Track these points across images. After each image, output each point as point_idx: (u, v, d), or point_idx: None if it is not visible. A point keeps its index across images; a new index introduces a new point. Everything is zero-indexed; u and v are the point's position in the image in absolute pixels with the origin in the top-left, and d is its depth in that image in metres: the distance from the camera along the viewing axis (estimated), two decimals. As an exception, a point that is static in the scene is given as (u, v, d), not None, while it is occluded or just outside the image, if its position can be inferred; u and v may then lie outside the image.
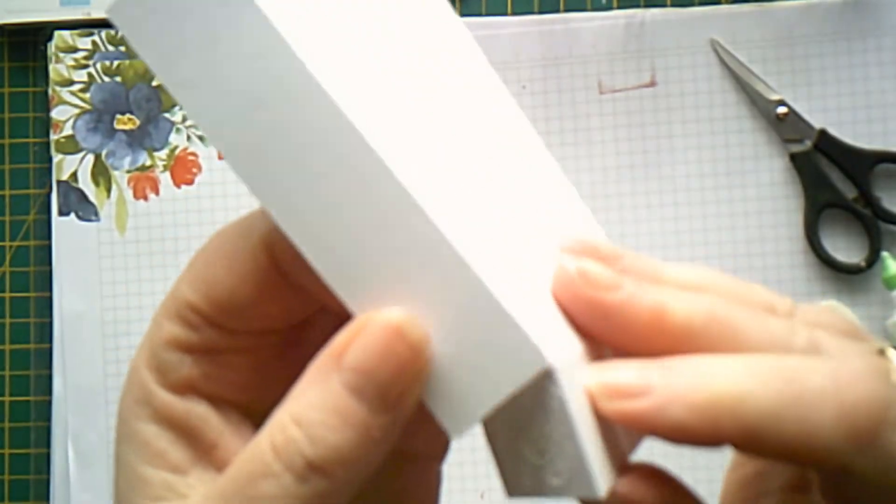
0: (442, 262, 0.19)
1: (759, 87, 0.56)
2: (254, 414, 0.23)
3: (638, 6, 0.58)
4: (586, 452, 0.20)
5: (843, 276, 0.55)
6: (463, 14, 0.59)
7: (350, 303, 0.20)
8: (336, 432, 0.19)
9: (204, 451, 0.22)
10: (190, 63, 0.20)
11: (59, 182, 0.59)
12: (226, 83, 0.20)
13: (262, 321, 0.23)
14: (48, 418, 0.58)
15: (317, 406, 0.20)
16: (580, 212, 0.25)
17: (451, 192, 0.21)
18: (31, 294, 0.60)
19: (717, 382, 0.19)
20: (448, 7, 0.26)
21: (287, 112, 0.20)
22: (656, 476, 0.21)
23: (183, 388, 0.22)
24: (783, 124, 0.56)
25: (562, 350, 0.20)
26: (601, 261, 0.21)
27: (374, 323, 0.20)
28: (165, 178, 0.59)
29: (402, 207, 0.19)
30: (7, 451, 0.59)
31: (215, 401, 0.23)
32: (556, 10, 0.58)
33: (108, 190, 0.59)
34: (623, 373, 0.20)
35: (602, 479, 0.20)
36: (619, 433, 0.22)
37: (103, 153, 0.59)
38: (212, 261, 0.22)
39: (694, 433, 0.19)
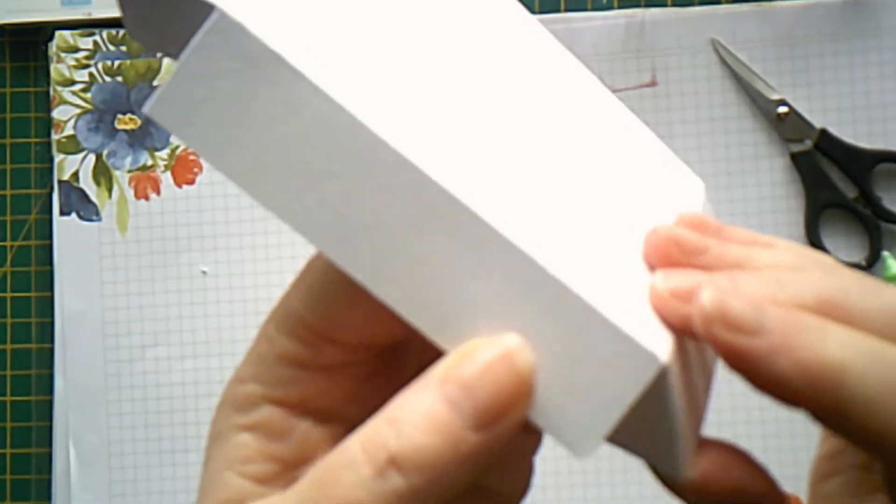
0: (539, 290, 0.19)
1: (760, 87, 0.56)
2: (352, 430, 0.23)
3: (638, 6, 0.58)
4: (678, 436, 0.20)
5: (843, 276, 0.55)
6: (463, 14, 0.59)
7: (449, 346, 0.20)
8: (424, 434, 0.19)
9: (295, 465, 0.22)
10: (245, 149, 0.20)
11: (60, 182, 0.59)
12: (287, 162, 0.20)
13: (373, 338, 0.23)
14: (49, 418, 0.58)
15: (412, 409, 0.20)
16: (670, 173, 0.25)
17: (532, 211, 0.20)
18: (33, 294, 0.60)
19: (828, 348, 0.19)
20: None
21: (359, 178, 0.20)
22: (732, 455, 0.21)
23: (291, 404, 0.23)
24: (783, 124, 0.56)
25: (663, 340, 0.20)
26: (692, 255, 0.21)
27: (486, 345, 0.20)
28: (167, 178, 0.59)
29: (493, 247, 0.19)
30: (8, 450, 0.59)
31: (320, 415, 0.23)
32: (557, 10, 0.58)
33: (110, 190, 0.59)
34: (742, 305, 0.19)
35: (687, 461, 0.20)
36: (699, 400, 0.22)
37: (104, 153, 0.59)
38: (325, 278, 0.22)
39: (790, 389, 0.19)
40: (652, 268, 0.22)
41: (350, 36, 0.21)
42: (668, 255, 0.22)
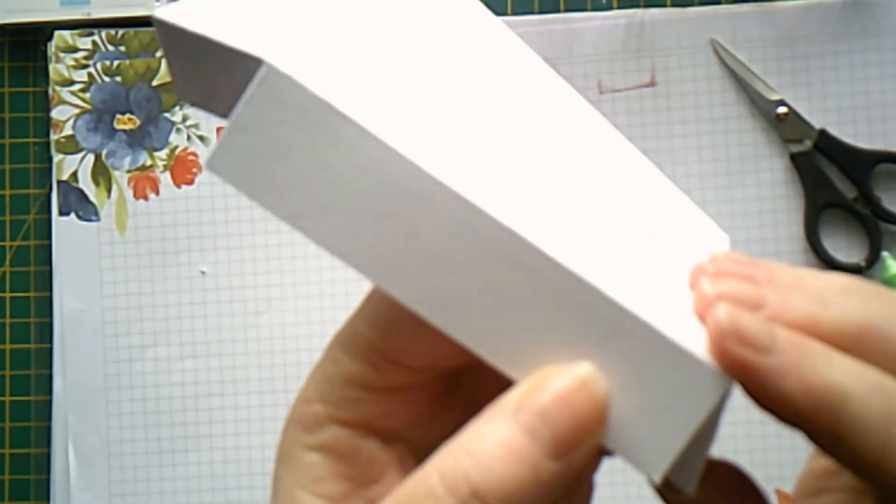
0: (605, 318, 0.20)
1: (759, 87, 0.56)
2: (417, 451, 0.24)
3: (638, 6, 0.58)
4: (706, 453, 0.20)
5: (843, 276, 0.55)
6: (463, 14, 0.59)
7: (516, 375, 0.21)
8: (505, 465, 0.20)
9: (364, 485, 0.23)
10: (302, 195, 0.20)
11: (59, 182, 0.59)
12: (343, 205, 0.20)
13: (438, 362, 0.23)
14: (48, 418, 0.58)
15: (489, 439, 0.20)
16: (687, 208, 0.25)
17: (590, 244, 0.21)
18: (32, 294, 0.60)
19: (833, 373, 0.20)
20: (507, 33, 0.27)
21: (415, 216, 0.20)
22: (735, 479, 0.22)
23: (356, 424, 0.23)
24: (783, 124, 0.56)
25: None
26: (744, 281, 0.21)
27: (561, 373, 0.20)
28: (166, 178, 0.59)
29: (558, 280, 0.20)
30: (7, 450, 0.59)
31: (385, 436, 0.23)
32: (557, 10, 0.58)
33: (109, 190, 0.59)
34: (756, 323, 0.20)
35: (696, 479, 0.21)
36: None
37: (103, 153, 0.59)
38: (390, 303, 0.23)
39: (793, 409, 0.20)
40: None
41: (388, 78, 0.22)
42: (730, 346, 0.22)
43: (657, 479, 0.20)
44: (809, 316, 0.21)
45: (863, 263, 0.54)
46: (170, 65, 0.23)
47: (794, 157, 0.55)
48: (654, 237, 0.23)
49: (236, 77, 0.21)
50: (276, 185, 0.20)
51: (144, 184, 0.59)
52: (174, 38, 0.22)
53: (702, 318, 0.21)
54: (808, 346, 0.20)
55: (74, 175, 0.59)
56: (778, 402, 0.20)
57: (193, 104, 0.25)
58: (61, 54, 0.59)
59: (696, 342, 0.20)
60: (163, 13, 0.22)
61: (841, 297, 0.21)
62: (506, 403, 0.20)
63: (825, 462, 0.25)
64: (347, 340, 0.23)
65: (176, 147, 0.59)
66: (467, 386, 0.25)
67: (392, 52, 0.23)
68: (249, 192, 0.21)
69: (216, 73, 0.22)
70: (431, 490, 0.20)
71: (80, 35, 0.59)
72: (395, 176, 0.20)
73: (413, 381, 0.23)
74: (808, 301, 0.21)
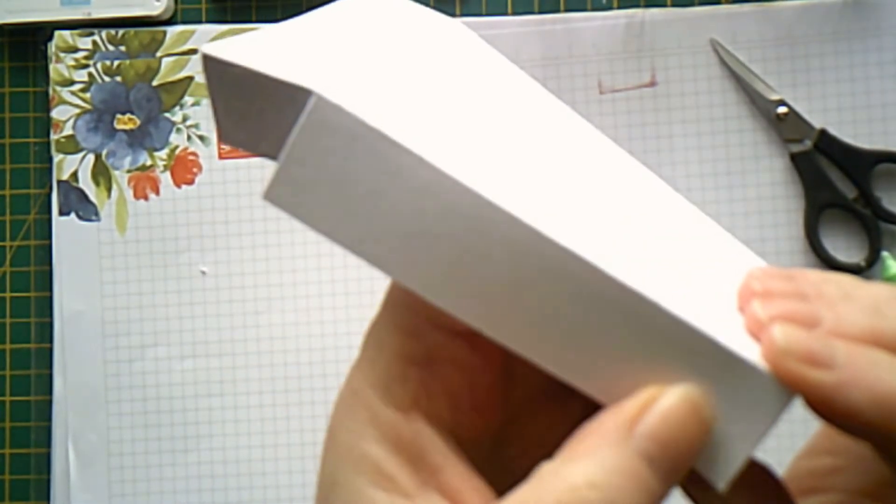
0: (680, 339, 0.20)
1: (759, 87, 0.56)
2: (464, 441, 0.23)
3: (638, 6, 0.58)
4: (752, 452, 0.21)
5: (843, 276, 0.55)
6: (463, 14, 0.59)
7: (591, 391, 0.21)
8: (632, 499, 0.20)
9: (429, 475, 0.22)
10: (357, 221, 0.21)
11: (59, 182, 0.59)
12: (397, 229, 0.21)
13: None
14: (48, 418, 0.58)
15: (612, 471, 0.20)
16: (710, 226, 0.26)
17: (632, 257, 0.21)
18: (32, 294, 0.60)
19: None
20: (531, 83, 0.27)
21: (469, 238, 0.20)
22: (766, 482, 0.22)
23: (408, 405, 0.22)
24: (783, 124, 0.56)
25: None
26: (794, 300, 0.21)
27: (672, 395, 0.20)
28: (166, 178, 0.59)
29: (614, 294, 0.20)
30: (7, 450, 0.59)
31: (434, 421, 0.23)
32: (556, 10, 0.58)
33: (109, 190, 0.59)
34: (813, 339, 0.20)
35: (732, 477, 0.21)
36: None
37: (104, 153, 0.59)
38: None
39: (864, 422, 0.19)
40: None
41: (432, 103, 0.22)
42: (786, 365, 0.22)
43: (723, 486, 0.20)
44: (868, 328, 0.20)
45: (863, 263, 0.54)
46: (214, 104, 0.24)
47: (794, 157, 0.55)
48: (699, 258, 0.24)
49: (286, 111, 0.21)
50: (332, 212, 0.21)
51: (144, 184, 0.59)
52: (221, 74, 0.22)
53: (756, 338, 0.21)
54: (872, 355, 0.20)
55: (74, 175, 0.59)
56: (846, 416, 0.20)
57: (237, 145, 0.25)
58: (61, 54, 0.59)
59: (758, 358, 0.20)
60: (210, 49, 0.22)
61: (894, 307, 0.21)
62: (614, 427, 0.20)
63: (823, 461, 0.24)
64: (386, 317, 0.23)
65: (176, 147, 0.59)
66: (517, 387, 0.25)
67: (422, 81, 0.24)
68: (306, 220, 0.21)
69: (264, 108, 0.22)
70: None
71: (81, 35, 0.59)
72: (448, 199, 0.20)
73: (455, 352, 0.23)
74: (863, 313, 0.21)
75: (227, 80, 0.22)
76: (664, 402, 0.20)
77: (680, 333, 0.20)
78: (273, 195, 0.21)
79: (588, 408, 0.22)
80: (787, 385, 0.20)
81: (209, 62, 0.22)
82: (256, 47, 0.23)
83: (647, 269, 0.21)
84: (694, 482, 0.21)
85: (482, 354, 0.23)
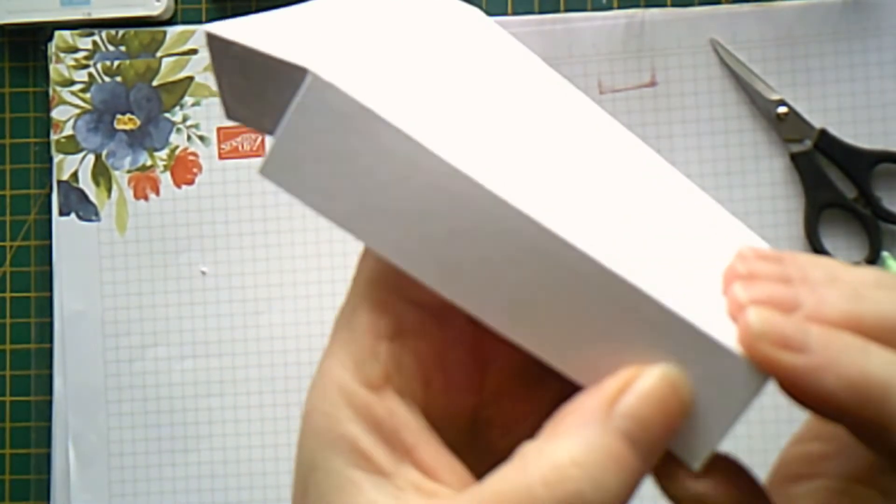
0: (661, 325, 0.21)
1: (760, 87, 0.56)
2: (440, 422, 0.23)
3: (638, 6, 0.58)
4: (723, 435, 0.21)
5: (843, 276, 0.55)
6: (463, 14, 0.59)
7: (569, 372, 0.22)
8: (615, 476, 0.20)
9: (404, 453, 0.22)
10: (349, 198, 0.21)
11: (59, 182, 0.59)
12: (387, 206, 0.21)
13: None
14: (49, 418, 0.58)
15: (594, 449, 0.20)
16: (712, 208, 0.26)
17: (615, 238, 0.22)
18: (32, 294, 0.60)
19: (872, 366, 0.20)
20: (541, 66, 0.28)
21: (455, 216, 0.21)
22: (736, 474, 0.22)
23: (380, 382, 0.22)
24: (783, 124, 0.56)
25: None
26: (777, 283, 0.21)
27: (651, 375, 0.20)
28: (166, 178, 0.59)
29: (593, 275, 0.21)
30: (7, 451, 0.59)
31: (408, 398, 0.23)
32: (556, 10, 0.58)
33: (109, 190, 0.59)
34: (788, 323, 0.20)
35: (703, 458, 0.21)
36: None
37: (104, 153, 0.59)
38: None
39: (837, 406, 0.20)
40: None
41: (423, 87, 0.23)
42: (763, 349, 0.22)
43: (697, 466, 0.21)
44: (847, 312, 0.21)
45: (863, 263, 0.54)
46: (219, 81, 0.25)
47: (794, 157, 0.55)
48: (689, 237, 0.24)
49: (284, 89, 0.22)
50: (324, 188, 0.21)
51: (145, 184, 0.59)
52: (224, 52, 0.23)
53: (736, 320, 0.21)
54: (845, 340, 0.20)
55: (75, 175, 0.59)
56: (819, 401, 0.20)
57: (241, 121, 0.26)
58: (61, 54, 0.59)
59: (735, 341, 0.21)
60: (214, 28, 0.23)
61: (876, 292, 0.21)
62: (595, 406, 0.21)
63: (813, 447, 0.24)
64: (356, 295, 0.23)
65: (176, 147, 0.59)
66: (492, 369, 0.25)
67: (424, 63, 0.24)
68: (299, 195, 0.22)
69: (264, 86, 0.23)
70: (537, 498, 0.20)
71: (81, 35, 0.59)
72: (434, 177, 0.21)
73: (423, 326, 0.23)
74: (843, 298, 0.21)
75: (229, 58, 0.23)
76: (643, 382, 0.20)
77: (656, 315, 0.20)
78: (269, 171, 0.22)
79: (566, 389, 0.22)
80: (760, 368, 0.20)
81: (213, 40, 0.23)
82: (260, 27, 0.23)
83: (631, 251, 0.21)
84: (663, 468, 0.21)
85: (451, 329, 0.24)
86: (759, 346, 0.20)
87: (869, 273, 0.22)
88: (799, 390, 0.20)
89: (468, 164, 0.21)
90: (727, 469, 0.22)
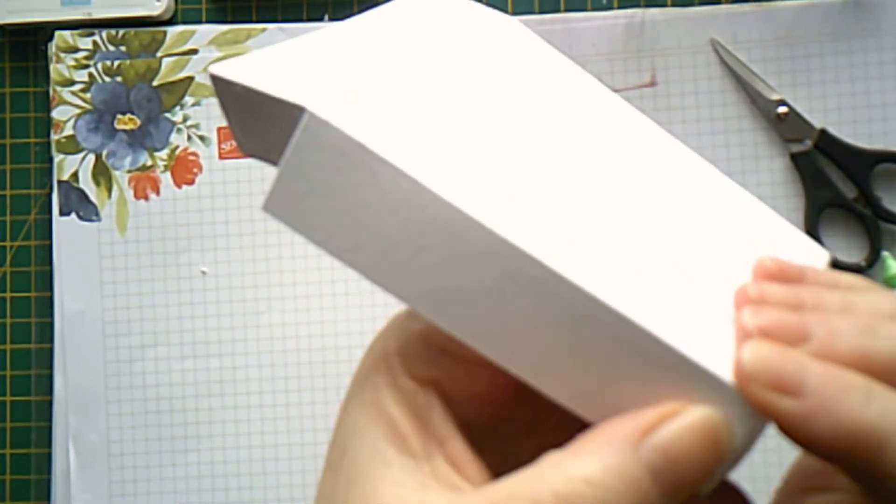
0: (669, 366, 0.20)
1: (760, 87, 0.56)
2: (473, 425, 0.24)
3: (638, 6, 0.58)
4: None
5: (843, 276, 0.55)
6: (463, 14, 0.59)
7: (570, 406, 0.21)
8: (624, 502, 0.19)
9: (437, 444, 0.23)
10: (347, 232, 0.22)
11: (59, 182, 0.59)
12: (384, 239, 0.22)
13: None
14: (49, 418, 0.58)
15: (612, 472, 0.20)
16: (749, 207, 0.26)
17: (630, 268, 0.21)
18: (32, 294, 0.60)
19: (869, 413, 0.19)
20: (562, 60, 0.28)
21: (450, 249, 0.21)
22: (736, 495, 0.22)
23: (425, 382, 0.23)
24: (783, 124, 0.56)
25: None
26: (788, 309, 0.21)
27: (691, 415, 0.20)
28: (166, 178, 0.59)
29: (593, 312, 0.20)
30: (8, 451, 0.59)
31: (448, 400, 0.23)
32: (556, 10, 0.58)
33: (109, 190, 0.59)
34: (784, 364, 0.19)
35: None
36: None
37: (104, 153, 0.59)
38: None
39: (830, 451, 0.19)
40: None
41: (422, 119, 0.23)
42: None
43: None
44: (857, 349, 0.20)
45: (863, 263, 0.54)
46: (228, 118, 0.25)
47: (794, 157, 0.55)
48: (705, 251, 0.24)
49: (285, 126, 0.22)
50: (324, 223, 0.22)
51: (145, 184, 0.59)
52: (228, 92, 0.23)
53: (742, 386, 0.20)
54: (846, 382, 0.19)
55: (75, 175, 0.59)
56: (811, 444, 0.19)
57: (254, 155, 0.26)
58: (62, 54, 0.59)
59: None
60: (217, 69, 0.23)
61: (892, 326, 0.20)
62: (627, 433, 0.20)
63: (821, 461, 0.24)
64: None
65: (176, 147, 0.59)
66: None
67: (428, 89, 0.25)
68: (301, 230, 0.22)
69: (268, 124, 0.23)
70: None
71: (81, 35, 0.59)
72: (427, 211, 0.21)
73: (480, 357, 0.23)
74: (856, 332, 0.20)
75: (234, 98, 0.23)
76: (682, 420, 0.20)
77: (665, 355, 0.20)
78: (271, 206, 0.22)
79: None
80: (755, 409, 0.20)
81: (216, 81, 0.23)
82: (263, 64, 0.24)
83: (637, 282, 0.21)
84: None
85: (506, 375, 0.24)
86: (752, 388, 0.19)
87: (887, 301, 0.21)
88: (792, 433, 0.19)
89: (461, 198, 0.21)
90: (730, 499, 0.21)
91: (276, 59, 0.24)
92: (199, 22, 0.60)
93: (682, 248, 0.23)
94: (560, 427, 0.22)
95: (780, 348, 0.20)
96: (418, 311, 0.22)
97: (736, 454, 0.20)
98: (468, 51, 0.27)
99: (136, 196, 0.59)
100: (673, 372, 0.20)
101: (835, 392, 0.19)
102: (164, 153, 0.59)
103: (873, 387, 0.19)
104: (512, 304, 0.21)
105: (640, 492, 0.20)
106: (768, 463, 0.24)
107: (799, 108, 0.55)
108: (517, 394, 0.24)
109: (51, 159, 0.59)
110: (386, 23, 0.27)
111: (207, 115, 0.59)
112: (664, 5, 0.58)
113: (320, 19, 0.59)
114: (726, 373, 0.20)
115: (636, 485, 0.20)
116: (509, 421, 0.25)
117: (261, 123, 0.24)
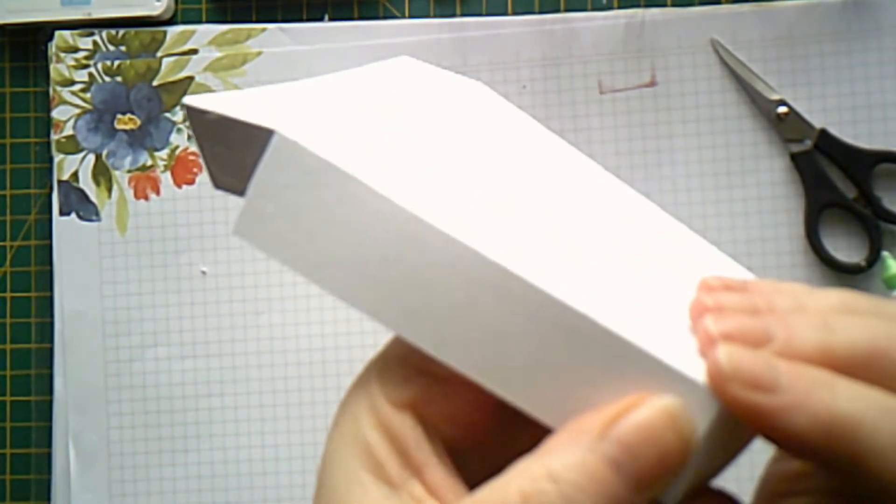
0: (630, 363, 0.20)
1: (760, 87, 0.56)
2: (455, 451, 0.24)
3: (638, 6, 0.58)
4: (692, 471, 0.21)
5: (843, 276, 0.55)
6: (463, 14, 0.59)
7: (541, 418, 0.21)
8: (588, 497, 0.20)
9: (413, 472, 0.23)
10: (316, 250, 0.22)
11: (59, 182, 0.59)
12: (350, 256, 0.22)
13: None
14: (49, 418, 0.58)
15: (574, 467, 0.20)
16: (699, 248, 0.26)
17: (593, 278, 0.22)
18: (32, 294, 0.60)
19: (839, 402, 0.19)
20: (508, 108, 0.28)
21: (416, 262, 0.21)
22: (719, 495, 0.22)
23: (403, 405, 0.23)
24: (783, 124, 0.56)
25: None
26: (746, 315, 0.21)
27: (652, 406, 0.20)
28: (166, 178, 0.59)
29: (565, 319, 0.21)
30: (8, 450, 0.59)
31: (427, 425, 0.23)
32: (556, 10, 0.58)
33: (109, 190, 0.59)
34: (758, 363, 0.20)
35: (679, 496, 0.21)
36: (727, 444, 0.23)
37: (104, 153, 0.59)
38: None
39: (807, 445, 0.19)
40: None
41: (387, 143, 0.24)
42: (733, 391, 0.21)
43: (671, 501, 0.21)
44: (818, 345, 0.20)
45: (863, 263, 0.54)
46: (202, 152, 0.25)
47: (794, 157, 0.55)
48: (661, 272, 0.24)
49: (257, 153, 0.22)
50: (293, 243, 0.22)
51: (145, 184, 0.59)
52: (201, 122, 0.24)
53: (706, 355, 0.21)
54: (813, 376, 0.20)
55: (75, 175, 0.59)
56: (789, 440, 0.20)
57: (227, 190, 0.26)
58: (62, 54, 0.59)
59: (691, 360, 0.20)
60: (191, 100, 0.24)
61: (844, 319, 0.21)
62: (588, 428, 0.20)
63: (794, 464, 0.24)
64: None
65: (176, 147, 0.59)
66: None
67: (391, 127, 0.25)
68: (272, 252, 0.23)
69: (242, 153, 0.24)
70: None
71: (81, 35, 0.59)
72: (391, 224, 0.21)
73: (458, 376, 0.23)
74: (813, 329, 0.21)
75: (207, 128, 0.24)
76: (642, 411, 0.20)
77: (632, 357, 0.20)
78: (241, 229, 0.23)
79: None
80: (730, 409, 0.20)
81: (190, 112, 0.24)
82: (236, 98, 0.24)
83: (601, 290, 0.21)
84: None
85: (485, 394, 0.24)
86: (729, 388, 0.20)
87: (834, 297, 0.22)
88: (770, 431, 0.20)
89: (423, 209, 0.21)
90: (714, 499, 0.22)
91: (248, 95, 0.25)
92: (199, 22, 0.60)
93: (633, 266, 0.24)
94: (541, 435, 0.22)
95: (750, 350, 0.20)
96: (385, 326, 0.22)
97: (699, 449, 0.20)
98: (433, 99, 0.28)
99: (136, 196, 0.59)
100: (638, 371, 0.20)
101: (806, 385, 0.20)
102: (164, 153, 0.59)
103: (836, 379, 0.20)
104: (479, 313, 0.21)
105: (603, 485, 0.20)
106: (754, 463, 0.24)
107: (799, 108, 0.55)
108: (498, 413, 0.24)
109: (51, 159, 0.59)
110: (355, 76, 0.28)
111: (207, 115, 0.59)
112: (664, 5, 0.58)
113: (320, 19, 0.59)
114: (691, 371, 0.20)
115: (599, 478, 0.20)
116: (491, 440, 0.25)
117: (234, 154, 0.24)
